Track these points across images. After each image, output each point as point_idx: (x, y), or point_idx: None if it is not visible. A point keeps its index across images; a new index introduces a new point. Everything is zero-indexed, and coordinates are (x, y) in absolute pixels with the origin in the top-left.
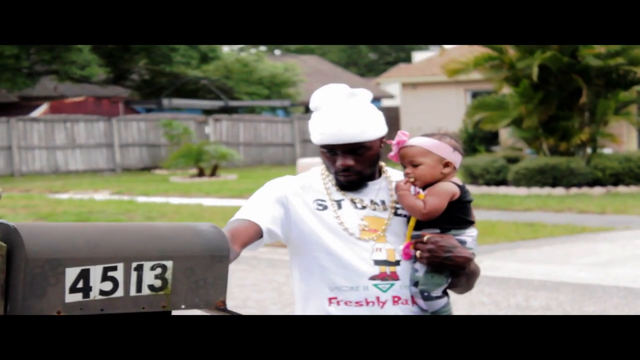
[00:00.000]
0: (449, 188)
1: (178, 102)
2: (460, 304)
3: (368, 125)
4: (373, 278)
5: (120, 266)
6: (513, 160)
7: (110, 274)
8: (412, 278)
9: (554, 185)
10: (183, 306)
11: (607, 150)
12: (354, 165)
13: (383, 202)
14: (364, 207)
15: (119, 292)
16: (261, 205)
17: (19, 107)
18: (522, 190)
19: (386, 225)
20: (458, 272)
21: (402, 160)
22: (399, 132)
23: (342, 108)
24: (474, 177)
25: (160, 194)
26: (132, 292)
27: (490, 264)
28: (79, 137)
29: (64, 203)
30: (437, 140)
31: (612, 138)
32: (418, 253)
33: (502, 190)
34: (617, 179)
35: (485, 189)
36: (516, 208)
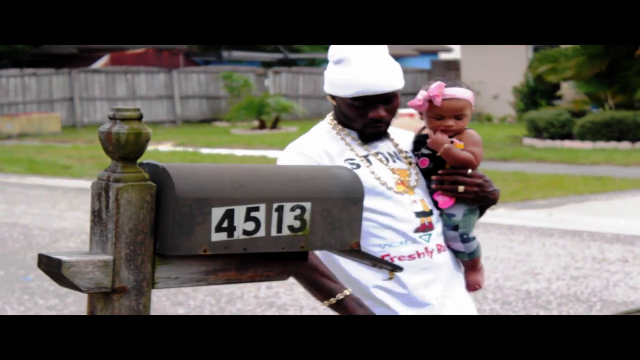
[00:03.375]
0: (480, 137)
1: (237, 54)
2: (536, 256)
3: (399, 75)
4: (417, 230)
5: (263, 207)
6: (577, 114)
7: (252, 214)
8: (448, 223)
9: (619, 139)
10: (320, 246)
11: None
12: (386, 116)
13: (395, 153)
14: (387, 160)
15: (261, 232)
16: None
17: (80, 59)
18: (587, 144)
19: (409, 176)
20: (486, 209)
21: (442, 111)
22: (438, 83)
23: (374, 59)
24: (538, 130)
25: (224, 146)
26: (273, 232)
27: (561, 216)
28: (140, 88)
29: None
30: (471, 91)
31: None
32: (462, 188)
33: (567, 144)
34: None
35: (549, 143)
36: (582, 162)
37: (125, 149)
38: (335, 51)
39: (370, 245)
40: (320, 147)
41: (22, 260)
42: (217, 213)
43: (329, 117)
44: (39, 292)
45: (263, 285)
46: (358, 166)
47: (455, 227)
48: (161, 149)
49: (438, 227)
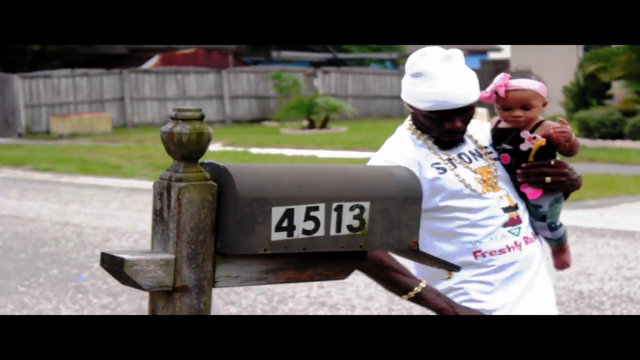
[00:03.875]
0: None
1: (286, 54)
2: (588, 256)
3: (475, 88)
4: (506, 225)
5: (322, 206)
6: (628, 114)
7: (312, 213)
8: (536, 214)
9: None
10: (378, 246)
11: None
12: (462, 126)
13: (476, 151)
14: (469, 160)
15: (320, 232)
16: None
17: (131, 59)
18: (638, 144)
19: (491, 173)
20: (569, 194)
21: (508, 102)
22: (502, 75)
23: (451, 73)
24: (589, 130)
25: (273, 146)
26: (332, 231)
27: (613, 217)
28: (190, 88)
29: None
30: (541, 82)
31: None
32: (549, 179)
33: (619, 144)
34: None
35: (600, 143)
36: (634, 162)
37: (187, 149)
38: (413, 63)
39: (462, 243)
40: (407, 153)
41: (75, 259)
42: (277, 212)
43: (408, 122)
44: (92, 290)
45: (315, 284)
46: (444, 170)
47: (543, 218)
48: (211, 149)
49: (525, 219)
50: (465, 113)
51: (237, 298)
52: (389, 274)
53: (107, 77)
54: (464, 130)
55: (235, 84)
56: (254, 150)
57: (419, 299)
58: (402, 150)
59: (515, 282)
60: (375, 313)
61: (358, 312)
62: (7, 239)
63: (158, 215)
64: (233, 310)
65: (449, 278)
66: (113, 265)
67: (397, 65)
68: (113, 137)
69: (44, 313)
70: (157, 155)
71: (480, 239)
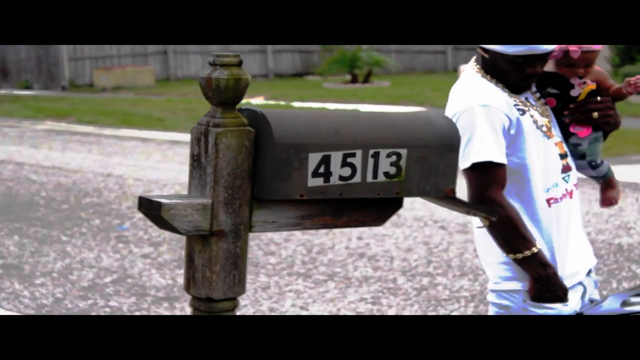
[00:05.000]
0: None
1: None
2: (629, 210)
3: None
4: (562, 172)
5: (359, 153)
6: None
7: (349, 160)
8: (576, 153)
9: None
10: (415, 193)
11: None
12: (540, 72)
13: (532, 95)
14: (534, 105)
15: (357, 178)
16: (498, 140)
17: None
18: None
19: (548, 117)
20: (608, 135)
21: (577, 61)
22: None
23: None
24: None
25: (316, 100)
26: (369, 178)
27: None
28: None
29: None
30: None
31: None
32: (596, 114)
33: None
34: None
35: None
36: None
37: (225, 95)
38: None
39: (535, 190)
40: (497, 95)
41: (117, 209)
42: (313, 158)
43: (475, 68)
44: (133, 240)
45: (354, 236)
46: (523, 112)
47: (583, 156)
48: (253, 102)
49: (573, 166)
50: (544, 59)
51: (276, 249)
52: (510, 232)
53: None
54: (539, 76)
55: None
56: (296, 104)
57: (523, 262)
58: (493, 91)
59: (567, 232)
60: (414, 264)
61: (397, 263)
62: (50, 189)
63: (195, 161)
64: (273, 261)
65: (485, 225)
66: (150, 209)
67: None
68: (156, 90)
69: (85, 262)
70: (200, 108)
71: (550, 187)
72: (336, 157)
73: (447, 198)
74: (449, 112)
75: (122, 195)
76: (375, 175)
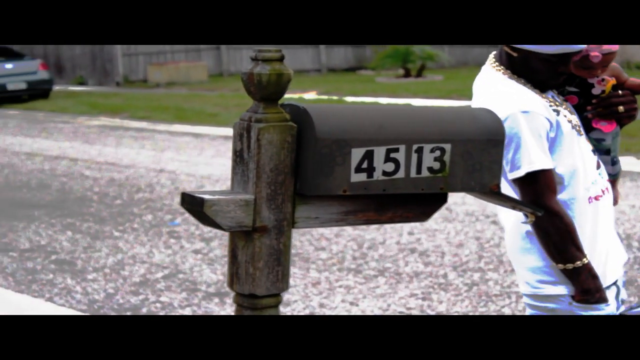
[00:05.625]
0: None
1: None
2: None
3: None
4: (597, 168)
5: (402, 148)
6: None
7: (392, 155)
8: (600, 148)
9: None
10: (459, 188)
11: None
12: (570, 69)
13: (555, 96)
14: (561, 103)
15: (400, 173)
16: (543, 146)
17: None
18: None
19: (574, 115)
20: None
21: (595, 64)
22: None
23: None
24: None
25: (368, 94)
26: (413, 173)
27: None
28: None
29: None
30: None
31: None
32: (622, 107)
33: None
34: None
35: None
36: None
37: (267, 90)
38: None
39: (578, 189)
40: (534, 99)
41: (169, 205)
42: (356, 154)
43: (496, 67)
44: (185, 236)
45: (405, 231)
46: (558, 112)
47: (607, 151)
48: (306, 97)
49: (601, 162)
50: (574, 57)
51: (327, 244)
52: (564, 240)
53: None
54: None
55: None
56: (349, 99)
57: (572, 273)
58: (529, 95)
59: (608, 230)
60: (465, 260)
61: (447, 258)
62: (103, 185)
63: (238, 156)
64: (323, 256)
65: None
66: (193, 205)
67: None
68: (209, 86)
69: (137, 257)
70: (251, 104)
71: (589, 186)
72: (379, 152)
73: (492, 193)
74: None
75: (174, 190)
76: (419, 171)
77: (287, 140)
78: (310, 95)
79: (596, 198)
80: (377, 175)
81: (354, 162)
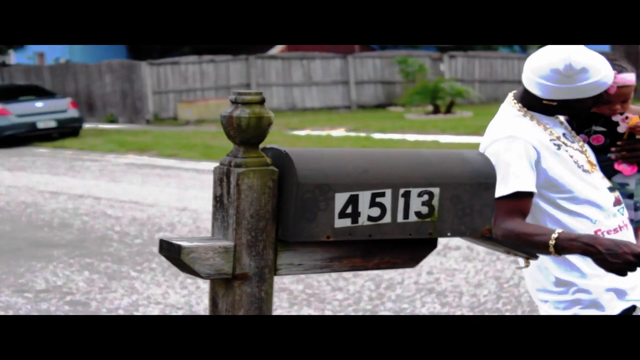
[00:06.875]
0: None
1: None
2: None
3: None
4: (614, 205)
5: (388, 192)
6: None
7: (378, 199)
8: (623, 192)
9: None
10: (449, 233)
11: None
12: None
13: (569, 132)
14: (572, 141)
15: (387, 219)
16: (525, 171)
17: (257, 45)
18: None
19: (588, 154)
20: None
21: (612, 98)
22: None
23: (600, 59)
24: None
25: (396, 131)
26: (400, 218)
27: None
28: (315, 74)
29: (303, 139)
30: (634, 72)
31: None
32: None
33: None
34: None
35: None
36: None
37: (247, 134)
38: (576, 62)
39: (581, 223)
40: (528, 129)
41: None
42: (340, 199)
43: (515, 103)
44: None
45: (424, 271)
46: (559, 147)
47: (630, 196)
48: (334, 134)
49: (622, 200)
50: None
51: (344, 284)
52: (523, 241)
53: (233, 63)
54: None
55: (361, 69)
56: (377, 136)
57: (559, 251)
58: (527, 128)
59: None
60: (483, 300)
61: (465, 299)
62: (124, 224)
63: (218, 202)
64: (340, 297)
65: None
66: (171, 252)
67: (526, 49)
68: None
69: (152, 298)
70: (281, 141)
71: (598, 218)
72: (364, 197)
73: (485, 238)
74: (481, 146)
75: (195, 229)
76: (406, 215)
77: (268, 185)
78: (339, 132)
79: (609, 232)
80: (363, 220)
81: (338, 207)
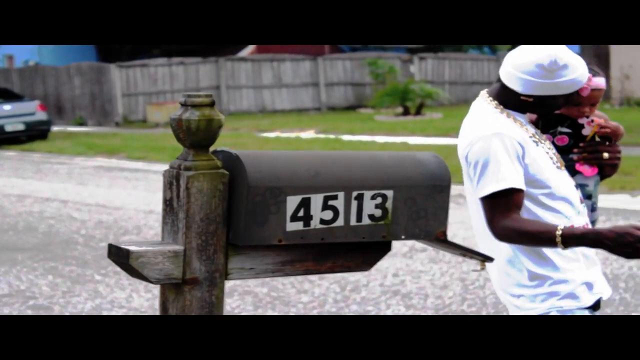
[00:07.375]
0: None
1: None
2: None
3: None
4: (580, 202)
5: (341, 195)
6: None
7: (330, 202)
8: (583, 193)
9: None
10: (403, 236)
11: None
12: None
13: (538, 132)
14: (542, 140)
15: (340, 222)
16: (515, 167)
17: (226, 47)
18: None
19: (554, 152)
20: (603, 178)
21: (583, 100)
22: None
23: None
24: None
25: (366, 133)
26: (353, 221)
27: None
28: (285, 76)
29: (272, 141)
30: (604, 77)
31: None
32: (607, 155)
33: None
34: None
35: None
36: None
37: (196, 136)
38: (559, 58)
39: (557, 219)
40: (510, 125)
41: None
42: (292, 202)
43: (490, 100)
44: None
45: (389, 273)
46: (537, 143)
47: (589, 197)
48: (303, 136)
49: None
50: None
51: (310, 287)
52: (526, 238)
53: (203, 65)
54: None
55: (331, 71)
56: (346, 137)
57: (567, 245)
58: (508, 124)
59: (594, 269)
60: (447, 302)
61: (430, 301)
62: (90, 227)
63: (168, 206)
64: (305, 299)
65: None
66: (119, 257)
67: (495, 51)
68: None
69: (115, 302)
70: (250, 143)
71: (571, 215)
72: (316, 200)
73: (439, 241)
74: (462, 143)
75: (161, 232)
76: (359, 218)
77: (218, 189)
78: (308, 134)
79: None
80: (315, 223)
81: (290, 210)
